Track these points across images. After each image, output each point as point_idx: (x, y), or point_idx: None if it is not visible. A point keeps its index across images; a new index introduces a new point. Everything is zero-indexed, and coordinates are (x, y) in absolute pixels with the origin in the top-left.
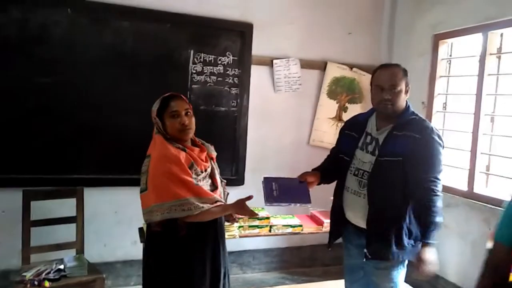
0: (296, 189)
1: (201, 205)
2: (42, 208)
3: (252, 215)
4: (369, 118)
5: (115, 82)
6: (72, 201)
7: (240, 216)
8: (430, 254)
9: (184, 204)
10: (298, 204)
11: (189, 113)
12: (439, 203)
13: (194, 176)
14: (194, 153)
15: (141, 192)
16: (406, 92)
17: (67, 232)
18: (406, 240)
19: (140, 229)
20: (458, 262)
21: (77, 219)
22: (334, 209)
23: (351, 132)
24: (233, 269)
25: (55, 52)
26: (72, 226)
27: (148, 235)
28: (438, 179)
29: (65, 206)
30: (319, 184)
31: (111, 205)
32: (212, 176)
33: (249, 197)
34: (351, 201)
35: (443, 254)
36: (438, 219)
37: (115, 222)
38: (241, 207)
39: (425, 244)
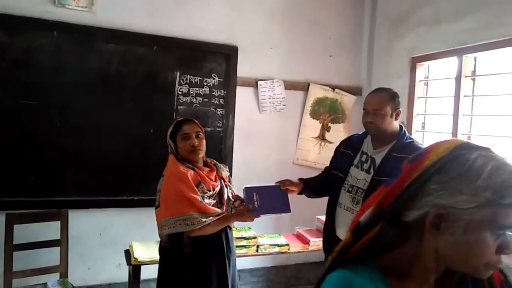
0: (277, 198)
1: (203, 219)
2: (25, 231)
3: (253, 218)
4: (364, 139)
5: (100, 105)
6: (56, 224)
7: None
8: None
9: (188, 219)
10: (278, 214)
11: (200, 136)
12: None
13: (200, 193)
14: (202, 173)
15: (155, 208)
16: (394, 115)
17: (51, 256)
18: None
19: (126, 251)
20: None
21: (61, 242)
22: (326, 227)
23: (347, 150)
24: None
25: (40, 75)
26: (56, 250)
27: (160, 252)
28: None
29: (49, 229)
30: (300, 193)
31: (95, 227)
32: (221, 194)
33: (248, 206)
34: (343, 217)
35: None
36: None
37: (99, 244)
38: (242, 215)
39: None
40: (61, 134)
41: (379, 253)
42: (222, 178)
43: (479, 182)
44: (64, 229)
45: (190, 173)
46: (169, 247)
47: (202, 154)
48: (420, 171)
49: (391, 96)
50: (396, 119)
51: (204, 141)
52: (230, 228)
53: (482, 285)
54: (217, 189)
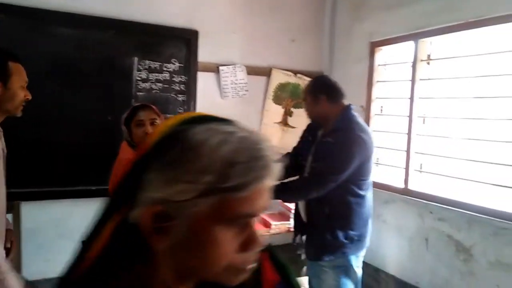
0: None
1: None
2: None
3: None
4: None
5: (53, 93)
6: (8, 217)
7: None
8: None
9: None
10: None
11: (155, 123)
12: (307, 187)
13: None
14: None
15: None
16: (322, 101)
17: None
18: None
19: (83, 242)
20: (396, 255)
21: (14, 236)
22: (295, 211)
23: (309, 136)
24: None
25: None
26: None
27: None
28: (323, 172)
29: None
30: None
31: (51, 219)
32: None
33: None
34: (302, 203)
35: (383, 248)
36: (294, 192)
37: (56, 236)
38: None
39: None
40: (11, 123)
41: (114, 273)
42: None
43: (198, 164)
44: (17, 222)
45: None
46: None
47: None
48: (138, 157)
49: (311, 85)
50: (329, 104)
51: None
52: None
53: None
54: None
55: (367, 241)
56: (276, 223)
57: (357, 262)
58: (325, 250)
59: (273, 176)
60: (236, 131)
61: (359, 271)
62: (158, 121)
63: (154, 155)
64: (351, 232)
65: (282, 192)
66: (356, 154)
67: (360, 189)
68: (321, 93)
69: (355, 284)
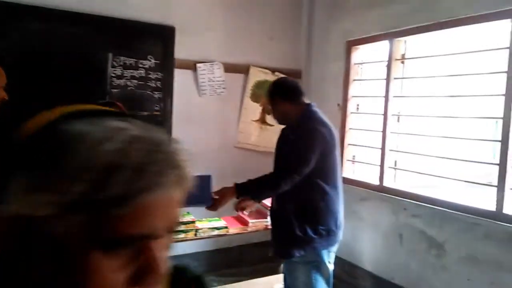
0: (201, 188)
1: None
2: None
3: None
4: None
5: (24, 89)
6: None
7: None
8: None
9: None
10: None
11: None
12: (273, 182)
13: None
14: None
15: None
16: (275, 103)
17: None
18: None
19: None
20: (372, 251)
21: None
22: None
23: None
24: None
25: None
26: None
27: None
28: (286, 166)
29: None
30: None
31: None
32: None
33: None
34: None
35: (359, 244)
36: (261, 189)
37: None
38: None
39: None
40: None
41: None
42: None
43: (68, 167)
44: None
45: None
46: None
47: None
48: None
49: (269, 89)
50: (289, 105)
51: None
52: None
53: None
54: None
55: (339, 235)
56: (253, 221)
57: (328, 258)
58: (295, 246)
59: (177, 184)
60: (129, 128)
61: (331, 266)
62: None
63: (22, 157)
64: (320, 227)
65: (249, 190)
66: (314, 146)
67: (327, 184)
68: (278, 95)
69: (327, 279)
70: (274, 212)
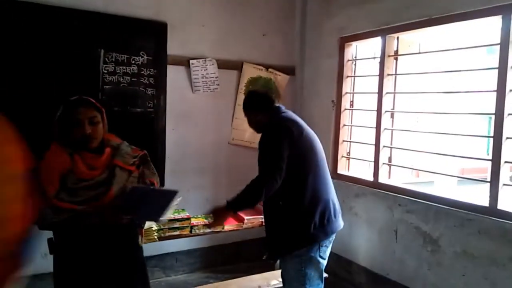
0: (155, 201)
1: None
2: None
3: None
4: None
5: (14, 86)
6: None
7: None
8: (224, 214)
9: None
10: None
11: (94, 121)
12: (259, 191)
13: (70, 184)
14: (81, 159)
15: None
16: (250, 115)
17: None
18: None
19: (49, 240)
20: (367, 247)
21: None
22: None
23: None
24: (156, 273)
25: None
26: None
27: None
28: (264, 166)
29: None
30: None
31: None
32: (108, 184)
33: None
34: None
35: (355, 240)
36: (254, 196)
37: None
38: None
39: (228, 205)
40: None
41: None
42: (118, 166)
43: None
44: None
45: (61, 161)
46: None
47: (96, 142)
48: None
49: (242, 104)
50: (261, 114)
51: (100, 126)
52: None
53: None
54: (100, 178)
55: (332, 226)
56: (248, 218)
57: (321, 253)
58: (287, 244)
59: None
60: None
61: (323, 262)
62: (97, 118)
63: None
64: (310, 223)
65: (241, 205)
66: (281, 140)
67: (311, 180)
68: (251, 109)
69: (320, 274)
70: (264, 210)
